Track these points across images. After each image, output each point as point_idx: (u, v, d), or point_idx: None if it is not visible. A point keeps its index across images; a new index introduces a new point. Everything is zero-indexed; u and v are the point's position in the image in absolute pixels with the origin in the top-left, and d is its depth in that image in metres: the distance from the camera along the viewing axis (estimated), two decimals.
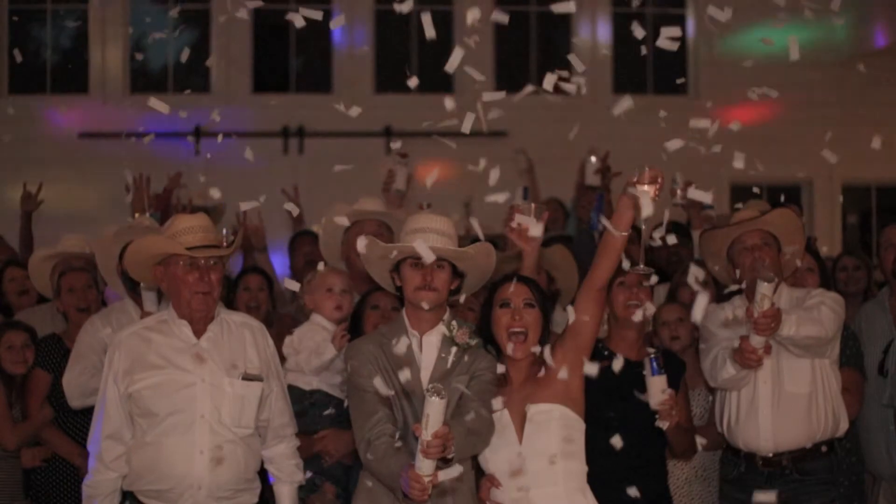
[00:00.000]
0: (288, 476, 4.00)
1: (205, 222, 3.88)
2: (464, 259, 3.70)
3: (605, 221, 3.59)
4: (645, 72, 11.83)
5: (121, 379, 3.72)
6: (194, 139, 10.69)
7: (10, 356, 5.09)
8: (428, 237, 3.61)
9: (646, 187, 3.49)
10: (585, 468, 3.65)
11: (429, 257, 3.43)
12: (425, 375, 3.63)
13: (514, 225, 3.97)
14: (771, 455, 4.36)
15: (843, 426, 4.47)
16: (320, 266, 4.47)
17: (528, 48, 11.61)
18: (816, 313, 4.23)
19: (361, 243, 3.68)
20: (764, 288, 3.88)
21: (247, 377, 3.80)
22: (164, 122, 10.95)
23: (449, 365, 3.61)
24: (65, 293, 5.18)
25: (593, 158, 6.43)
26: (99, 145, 10.69)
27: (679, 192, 5.30)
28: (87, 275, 5.26)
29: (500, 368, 3.67)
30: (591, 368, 3.57)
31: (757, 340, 4.02)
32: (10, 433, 5.04)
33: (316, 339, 4.41)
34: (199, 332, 3.81)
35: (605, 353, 4.04)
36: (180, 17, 10.70)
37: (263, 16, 11.29)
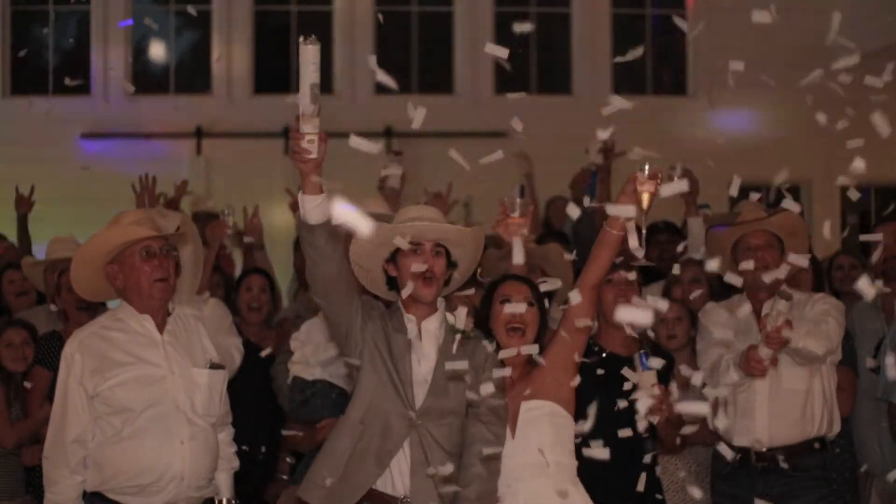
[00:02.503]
0: (227, 462, 4.04)
1: (149, 215, 3.92)
2: (461, 241, 3.67)
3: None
4: (644, 72, 11.87)
5: (88, 380, 3.70)
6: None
7: (9, 354, 5.12)
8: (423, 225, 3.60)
9: (647, 185, 3.57)
10: (576, 462, 3.70)
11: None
12: (426, 364, 3.60)
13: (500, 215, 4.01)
14: (765, 450, 4.40)
15: (836, 427, 4.51)
16: None
17: (528, 48, 11.65)
18: (825, 327, 4.29)
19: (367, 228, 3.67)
20: (781, 305, 3.97)
21: (213, 366, 3.85)
22: (165, 123, 11.10)
23: (454, 352, 3.59)
24: (65, 291, 5.15)
25: (598, 138, 6.44)
26: (101, 146, 10.75)
27: (677, 179, 5.35)
28: None
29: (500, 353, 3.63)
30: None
31: (766, 352, 4.09)
32: (9, 432, 5.06)
33: (323, 334, 4.46)
34: (159, 327, 3.83)
35: (596, 348, 4.10)
36: (181, 19, 10.77)
37: (264, 17, 11.37)
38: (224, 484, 4.01)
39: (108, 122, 10.89)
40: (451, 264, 3.69)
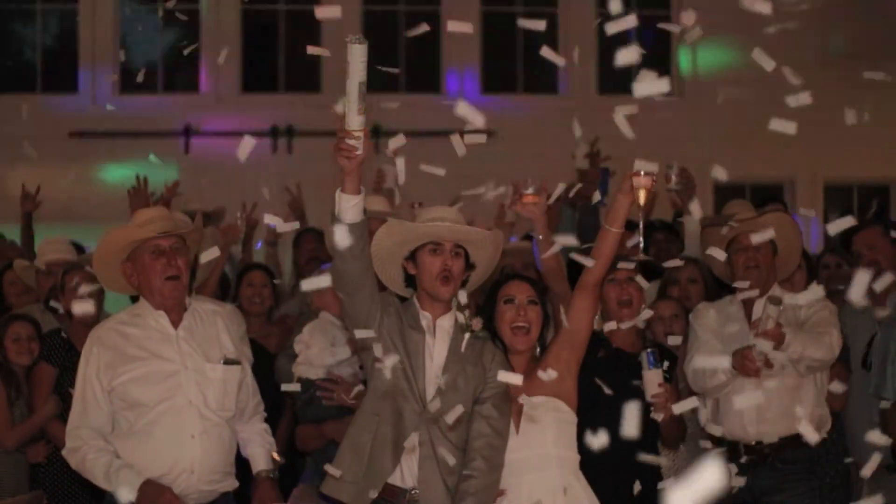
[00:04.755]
0: (262, 438, 4.09)
1: (165, 213, 3.99)
2: (482, 244, 3.75)
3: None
4: (629, 71, 11.94)
5: (103, 374, 3.78)
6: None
7: (15, 347, 5.15)
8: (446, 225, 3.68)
9: (644, 182, 3.66)
10: (578, 457, 3.78)
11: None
12: (438, 359, 3.68)
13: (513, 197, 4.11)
14: (753, 443, 4.47)
15: (826, 425, 4.57)
16: None
17: (515, 49, 11.68)
18: (828, 339, 4.33)
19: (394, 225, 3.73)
20: (770, 310, 4.08)
21: (227, 361, 3.91)
22: (152, 121, 11.08)
23: (463, 349, 3.68)
24: (68, 291, 5.19)
25: (582, 143, 6.50)
26: (89, 144, 10.74)
27: (674, 177, 5.42)
28: (90, 273, 5.29)
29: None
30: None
31: (759, 350, 4.17)
32: (9, 433, 5.08)
33: (328, 336, 4.50)
34: (174, 322, 3.89)
35: (602, 339, 4.17)
36: (169, 18, 10.74)
37: (252, 15, 11.37)
38: (261, 457, 4.05)
39: (95, 121, 10.87)
40: (469, 266, 3.77)
